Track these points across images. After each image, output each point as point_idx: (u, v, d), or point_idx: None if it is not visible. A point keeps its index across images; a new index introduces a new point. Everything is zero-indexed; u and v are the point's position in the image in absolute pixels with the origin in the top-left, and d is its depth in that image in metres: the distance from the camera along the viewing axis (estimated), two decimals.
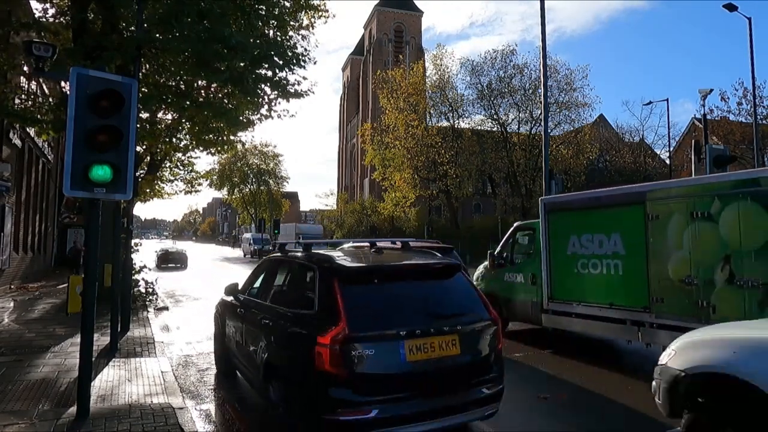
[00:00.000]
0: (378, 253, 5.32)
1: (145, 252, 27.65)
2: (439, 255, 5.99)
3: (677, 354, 3.98)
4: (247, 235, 50.68)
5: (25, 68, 12.77)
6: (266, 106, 13.04)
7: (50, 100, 13.98)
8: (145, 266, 15.98)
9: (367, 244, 5.94)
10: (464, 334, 4.38)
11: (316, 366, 3.97)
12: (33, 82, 16.38)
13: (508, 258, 10.39)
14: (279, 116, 13.39)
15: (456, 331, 4.32)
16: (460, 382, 4.32)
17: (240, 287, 6.72)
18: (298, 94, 12.06)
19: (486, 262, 10.88)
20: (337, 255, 5.21)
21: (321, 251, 5.65)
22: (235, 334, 6.17)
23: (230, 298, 6.69)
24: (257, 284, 6.21)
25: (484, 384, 4.44)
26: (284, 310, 4.94)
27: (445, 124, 41.61)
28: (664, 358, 4.08)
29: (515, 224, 11.00)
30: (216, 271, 28.40)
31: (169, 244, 48.08)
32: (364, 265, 4.79)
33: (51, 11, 12.37)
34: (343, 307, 4.10)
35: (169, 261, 30.44)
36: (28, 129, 16.04)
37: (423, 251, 6.25)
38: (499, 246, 10.88)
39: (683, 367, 3.82)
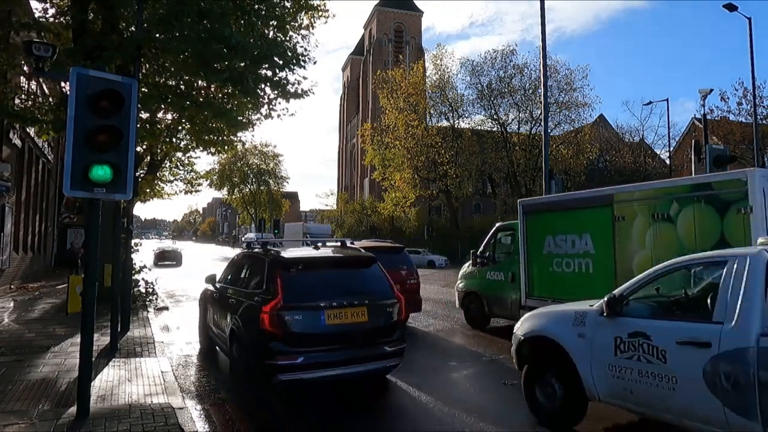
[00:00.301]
0: (316, 249, 6.93)
1: (145, 251, 29.09)
2: (363, 252, 7.28)
3: (521, 325, 5.59)
4: (250, 235, 47.83)
5: (25, 68, 12.77)
6: (266, 106, 13.05)
7: (50, 100, 13.99)
8: (145, 266, 15.98)
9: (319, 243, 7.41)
10: (371, 307, 6.00)
11: (261, 327, 5.63)
12: (33, 82, 16.38)
13: (490, 257, 10.84)
14: (279, 116, 13.41)
15: (365, 305, 5.96)
16: (367, 341, 5.94)
17: (217, 278, 8.22)
18: (298, 94, 12.07)
19: (470, 262, 11.31)
20: (284, 251, 6.90)
21: (275, 248, 7.13)
22: (212, 314, 7.75)
23: (209, 286, 8.26)
24: (229, 275, 7.76)
25: (387, 343, 6.07)
26: (245, 291, 6.60)
27: (445, 124, 41.65)
28: (515, 328, 5.63)
29: (496, 225, 11.47)
30: (216, 271, 28.22)
31: (168, 244, 51.19)
32: (298, 257, 6.49)
33: (51, 11, 12.38)
34: (281, 286, 5.79)
35: (166, 259, 32.89)
36: (28, 129, 16.04)
37: (354, 249, 7.53)
38: (482, 246, 11.28)
39: (522, 333, 5.45)
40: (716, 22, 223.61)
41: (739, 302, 3.86)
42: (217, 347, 7.91)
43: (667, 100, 30.66)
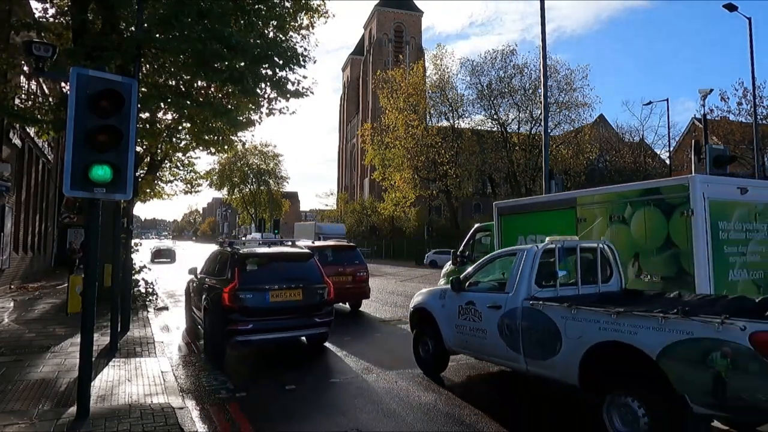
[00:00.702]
0: (269, 247, 9.47)
1: (144, 250, 32.36)
2: (305, 250, 9.50)
3: (413, 300, 7.75)
4: (256, 235, 45.13)
5: (25, 68, 12.77)
6: (266, 106, 13.05)
7: (50, 100, 13.98)
8: (144, 266, 15.98)
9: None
10: (305, 289, 8.18)
11: (223, 304, 7.74)
12: (33, 82, 16.39)
13: (470, 256, 11.58)
14: (280, 113, 13.38)
15: (300, 288, 8.15)
16: (301, 314, 8.08)
17: (198, 270, 10.19)
18: (298, 93, 12.07)
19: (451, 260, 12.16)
20: (245, 248, 9.04)
21: (237, 246, 9.21)
22: (193, 298, 9.93)
23: (192, 277, 10.42)
24: (205, 267, 9.81)
25: (317, 316, 8.21)
26: (214, 278, 8.73)
27: (445, 124, 41.65)
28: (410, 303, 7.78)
29: (475, 225, 12.10)
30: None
31: (166, 243, 56.07)
32: (252, 252, 8.65)
33: (51, 11, 12.38)
34: (237, 274, 7.93)
35: (161, 256, 37.56)
36: (28, 129, 16.05)
37: (294, 247, 9.89)
38: (462, 245, 12.08)
39: (411, 306, 7.70)
40: (716, 22, 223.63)
41: (517, 279, 5.91)
42: (198, 326, 9.65)
43: (667, 100, 30.68)
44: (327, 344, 8.96)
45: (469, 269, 7.07)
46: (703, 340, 4.07)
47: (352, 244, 14.94)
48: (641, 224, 7.48)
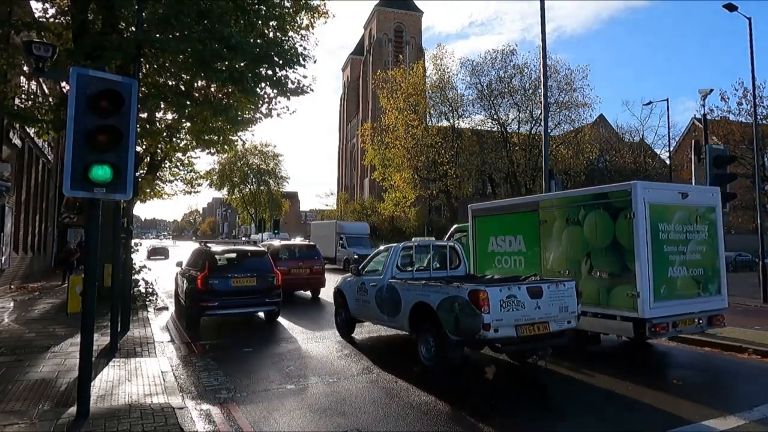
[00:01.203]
0: (234, 245, 13.82)
1: (142, 250, 34.92)
2: (261, 248, 13.60)
3: (336, 284, 10.50)
4: (264, 235, 42.10)
5: (25, 68, 12.76)
6: (266, 105, 13.05)
7: (50, 100, 13.98)
8: (144, 266, 15.98)
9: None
10: (258, 277, 10.86)
11: (196, 287, 10.45)
12: (33, 82, 16.38)
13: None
14: (279, 114, 13.40)
15: (254, 276, 10.84)
16: (255, 295, 10.76)
17: (183, 263, 12.95)
18: (297, 91, 12.07)
19: None
20: (216, 246, 12.49)
21: (209, 244, 12.35)
22: (179, 284, 12.82)
23: (178, 269, 13.30)
24: (188, 261, 12.57)
25: (267, 297, 10.86)
26: (192, 269, 11.48)
27: (445, 124, 41.60)
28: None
29: (454, 226, 13.18)
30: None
31: (163, 243, 63.89)
32: (219, 249, 11.78)
33: (51, 11, 12.38)
34: (207, 265, 10.67)
35: (157, 254, 41.51)
36: (28, 129, 16.04)
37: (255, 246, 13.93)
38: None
39: (335, 287, 10.44)
40: (716, 22, 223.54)
41: (386, 266, 8.92)
42: (183, 305, 12.11)
43: (667, 100, 30.56)
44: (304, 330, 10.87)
45: (364, 261, 10.05)
46: (451, 297, 6.93)
47: (312, 243, 18.94)
48: (592, 226, 8.23)
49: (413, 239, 9.48)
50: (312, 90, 12.45)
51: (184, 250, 41.45)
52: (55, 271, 22.36)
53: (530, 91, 38.60)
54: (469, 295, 6.58)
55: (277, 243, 18.26)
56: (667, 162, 35.60)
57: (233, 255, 11.64)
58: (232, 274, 10.77)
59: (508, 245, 9.91)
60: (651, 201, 7.70)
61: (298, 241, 25.67)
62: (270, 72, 11.68)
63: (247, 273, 10.95)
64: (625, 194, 7.78)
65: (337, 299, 10.23)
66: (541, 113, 28.65)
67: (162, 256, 40.38)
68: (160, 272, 20.85)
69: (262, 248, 13.48)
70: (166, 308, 13.56)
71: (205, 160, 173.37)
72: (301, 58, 11.73)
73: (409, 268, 9.00)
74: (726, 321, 8.41)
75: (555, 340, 7.05)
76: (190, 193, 21.44)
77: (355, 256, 24.64)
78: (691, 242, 8.11)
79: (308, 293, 16.41)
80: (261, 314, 11.56)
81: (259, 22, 12.26)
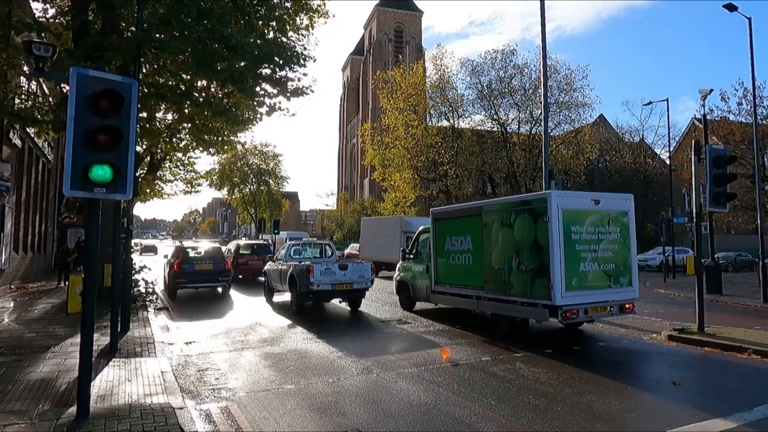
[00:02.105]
0: (203, 246, 20.52)
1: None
2: (217, 245, 22.93)
3: (396, 275, 14.45)
4: (282, 235, 36.94)
5: (25, 68, 12.76)
6: (266, 105, 13.05)
7: (50, 100, 13.98)
8: (145, 266, 15.99)
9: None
10: (213, 264, 16.67)
11: (173, 270, 16.41)
12: (33, 82, 16.39)
13: (413, 252, 13.75)
14: (279, 114, 13.39)
15: (211, 263, 16.66)
16: (212, 275, 16.46)
17: (169, 256, 18.28)
18: (298, 92, 12.07)
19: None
20: (189, 243, 29.23)
21: (185, 242, 33.00)
22: (165, 269, 18.31)
23: (165, 260, 18.86)
24: (171, 254, 18.09)
25: (220, 276, 16.57)
26: (173, 258, 17.28)
27: (445, 124, 41.59)
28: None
29: (420, 227, 14.13)
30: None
31: (154, 241, 73.29)
32: (188, 246, 20.21)
33: (51, 11, 12.37)
34: (180, 256, 16.74)
35: (147, 250, 48.52)
36: (28, 129, 16.04)
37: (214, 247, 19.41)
38: (410, 244, 14.31)
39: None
40: (716, 22, 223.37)
41: (284, 256, 15.36)
42: (165, 286, 17.65)
43: (667, 100, 30.49)
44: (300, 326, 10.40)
45: (280, 254, 16.00)
46: (299, 269, 12.79)
47: (265, 242, 26.23)
48: (520, 228, 9.57)
49: (302, 239, 15.90)
50: (312, 91, 12.47)
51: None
52: (56, 271, 22.35)
53: (530, 91, 38.59)
54: (305, 267, 12.51)
55: (243, 242, 25.84)
56: (667, 162, 35.60)
57: (198, 249, 18.20)
58: (197, 262, 16.63)
59: (460, 244, 11.30)
60: (564, 207, 9.01)
61: (253, 240, 33.82)
62: (270, 72, 11.69)
63: (206, 261, 16.77)
64: (543, 201, 9.14)
65: (264, 277, 16.24)
66: (541, 113, 28.65)
67: (152, 252, 48.75)
68: (154, 267, 21.00)
69: (218, 245, 22.02)
70: (167, 308, 13.57)
71: (205, 160, 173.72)
72: (301, 59, 11.74)
73: (297, 257, 15.27)
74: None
75: (356, 294, 13.15)
76: (190, 193, 21.49)
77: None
78: (602, 242, 9.36)
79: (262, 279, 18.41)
80: (219, 289, 17.22)
81: (259, 22, 12.26)
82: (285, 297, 14.74)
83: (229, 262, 17.81)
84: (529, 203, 9.60)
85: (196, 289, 16.95)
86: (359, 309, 13.48)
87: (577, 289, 8.97)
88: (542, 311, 9.06)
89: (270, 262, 15.88)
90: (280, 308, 13.76)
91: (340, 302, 14.02)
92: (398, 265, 14.51)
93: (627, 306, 9.66)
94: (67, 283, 14.80)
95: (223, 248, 21.59)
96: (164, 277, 18.31)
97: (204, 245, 21.02)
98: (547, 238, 8.89)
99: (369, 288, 13.23)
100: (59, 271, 19.28)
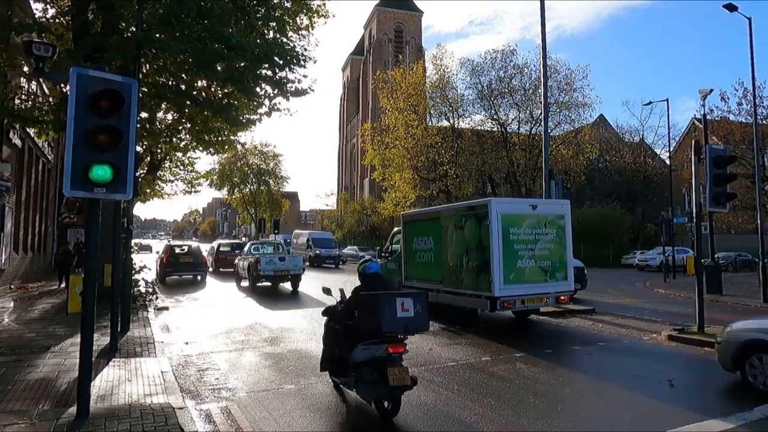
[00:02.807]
0: (184, 243, 27.45)
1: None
2: (196, 243, 31.71)
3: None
4: (302, 233, 40.85)
5: (25, 68, 12.75)
6: (266, 106, 13.05)
7: (50, 100, 13.97)
8: (145, 266, 16.00)
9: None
10: (194, 258, 21.86)
11: (162, 262, 21.62)
12: (33, 82, 16.38)
13: (389, 251, 15.29)
14: (279, 114, 13.42)
15: (192, 256, 21.91)
16: (192, 267, 21.55)
17: (160, 251, 24.02)
18: (298, 92, 12.07)
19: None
20: (176, 242, 34.82)
21: (171, 241, 42.25)
22: (157, 263, 22.65)
23: (157, 255, 25.07)
24: (162, 250, 23.30)
25: (198, 268, 21.66)
26: (162, 254, 22.49)
27: (445, 124, 41.58)
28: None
29: (394, 229, 15.23)
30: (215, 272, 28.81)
31: (150, 241, 75.84)
32: (174, 244, 26.60)
33: (51, 11, 12.36)
34: (168, 252, 21.95)
35: (143, 249, 49.23)
36: (28, 129, 16.03)
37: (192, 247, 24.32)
38: (387, 244, 15.97)
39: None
40: (716, 22, 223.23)
41: (246, 252, 21.15)
42: (158, 275, 21.14)
43: (667, 100, 30.50)
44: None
45: (246, 247, 22.16)
46: (252, 261, 18.39)
47: (240, 242, 32.45)
48: (469, 230, 10.90)
49: (260, 238, 22.25)
50: (312, 91, 12.47)
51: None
52: (56, 271, 22.33)
53: (530, 91, 38.59)
54: (255, 259, 17.83)
55: (223, 241, 33.27)
56: (667, 162, 35.60)
57: (183, 247, 23.47)
58: (180, 256, 21.64)
59: (424, 244, 12.67)
60: (503, 212, 10.36)
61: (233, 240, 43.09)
62: (270, 73, 11.68)
63: (187, 256, 21.82)
64: (485, 207, 10.51)
65: (234, 268, 21.27)
66: (541, 113, 28.64)
67: (147, 251, 51.51)
68: (150, 263, 21.39)
69: (197, 244, 27.82)
70: (167, 308, 13.57)
71: (205, 160, 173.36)
72: (301, 59, 11.73)
73: (255, 252, 19.98)
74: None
75: (293, 278, 18.08)
76: (190, 193, 21.60)
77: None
78: (539, 242, 10.65)
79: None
80: (198, 277, 21.78)
81: (259, 23, 12.25)
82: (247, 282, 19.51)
83: (206, 258, 23.66)
84: (475, 208, 10.92)
85: (180, 276, 21.78)
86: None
87: (515, 283, 10.29)
88: (485, 302, 10.37)
89: (238, 257, 21.19)
90: (243, 289, 19.08)
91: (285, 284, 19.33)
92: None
93: (562, 298, 11.00)
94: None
95: (209, 246, 31.26)
96: (156, 268, 21.98)
97: (187, 244, 26.11)
98: (488, 239, 10.21)
99: (302, 273, 18.58)
100: (59, 273, 18.72)
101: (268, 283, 18.91)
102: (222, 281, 22.08)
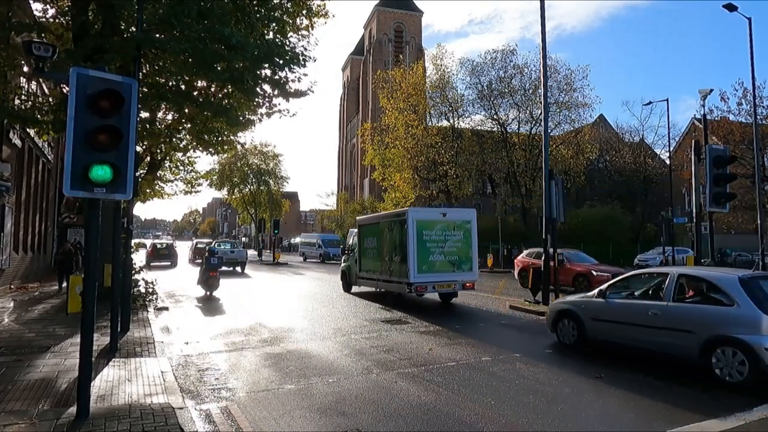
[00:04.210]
0: (163, 242, 40.16)
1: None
2: (172, 241, 47.13)
3: (341, 267, 19.66)
4: (311, 237, 49.04)
5: (25, 68, 12.75)
6: (266, 106, 13.04)
7: (50, 100, 13.96)
8: (154, 283, 15.94)
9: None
10: (170, 251, 34.20)
11: (149, 254, 33.35)
12: (33, 82, 16.37)
13: (350, 250, 18.21)
14: (280, 116, 13.41)
15: (168, 250, 34.10)
16: (167, 257, 33.55)
17: (148, 246, 36.77)
18: (298, 93, 12.07)
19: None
20: (159, 241, 45.44)
21: (156, 240, 49.89)
22: (146, 256, 33.53)
23: (149, 248, 35.45)
24: (149, 246, 36.64)
25: (170, 258, 33.58)
26: (149, 249, 35.58)
27: (445, 124, 41.58)
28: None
29: (350, 230, 19.50)
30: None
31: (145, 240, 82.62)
32: (156, 242, 39.60)
33: (51, 12, 12.36)
34: (152, 247, 35.04)
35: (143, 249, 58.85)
36: (28, 129, 16.03)
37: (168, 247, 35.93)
38: (349, 243, 19.22)
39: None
40: (716, 22, 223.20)
41: (209, 251, 19.21)
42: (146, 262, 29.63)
43: (667, 100, 30.50)
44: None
45: (213, 244, 31.79)
46: (207, 256, 16.72)
47: (211, 241, 39.37)
48: (396, 232, 14.13)
49: (214, 242, 34.93)
50: (312, 92, 12.48)
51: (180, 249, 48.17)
52: (55, 271, 22.32)
53: (530, 91, 38.60)
54: (210, 253, 17.22)
55: (200, 240, 44.40)
56: (667, 162, 35.60)
57: (162, 244, 35.05)
58: (160, 250, 33.13)
59: (371, 244, 15.87)
60: (418, 218, 13.55)
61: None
62: (270, 73, 11.68)
63: (165, 249, 33.42)
64: (405, 215, 13.80)
65: (202, 260, 21.60)
66: (541, 113, 28.64)
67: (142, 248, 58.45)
68: (159, 273, 21.16)
69: (172, 242, 42.38)
70: (167, 308, 13.57)
71: (205, 160, 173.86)
72: (301, 59, 11.73)
73: (216, 248, 25.42)
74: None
75: (240, 264, 29.49)
76: (190, 193, 21.50)
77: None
78: (448, 241, 13.66)
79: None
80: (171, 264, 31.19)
81: (259, 24, 12.25)
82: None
83: (176, 251, 35.40)
84: (399, 216, 14.25)
85: (160, 263, 31.87)
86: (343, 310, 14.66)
87: (427, 272, 13.36)
88: (405, 287, 13.37)
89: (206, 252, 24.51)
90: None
91: (233, 269, 28.77)
92: (342, 258, 20.07)
93: (468, 284, 13.96)
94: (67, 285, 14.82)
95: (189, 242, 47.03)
96: (145, 258, 31.15)
97: (165, 242, 38.20)
98: (407, 239, 13.36)
99: (246, 261, 30.73)
100: (59, 274, 17.76)
101: (227, 268, 27.16)
102: (196, 269, 25.53)
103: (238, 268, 28.95)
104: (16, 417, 5.00)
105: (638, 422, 5.45)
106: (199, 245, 36.66)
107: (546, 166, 14.32)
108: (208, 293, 16.15)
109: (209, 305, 14.65)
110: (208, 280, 16.09)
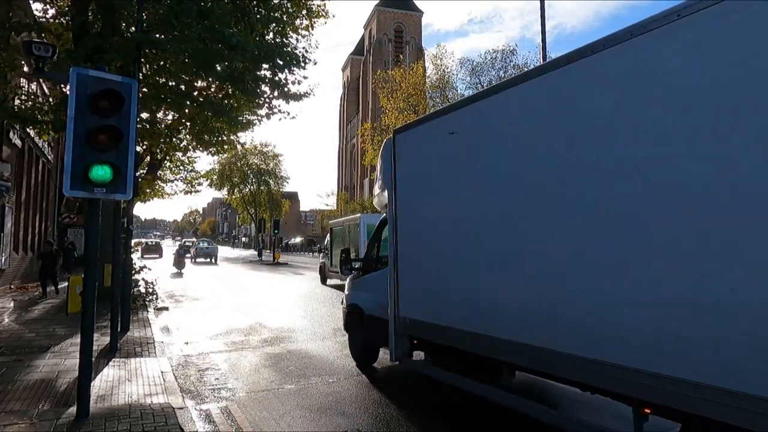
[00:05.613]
0: (152, 240, 60.20)
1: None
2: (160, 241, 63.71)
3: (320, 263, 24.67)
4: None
5: (25, 68, 12.75)
6: (266, 107, 13.05)
7: (50, 100, 13.97)
8: (145, 266, 16.00)
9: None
10: (157, 248, 47.64)
11: (142, 252, 42.47)
12: (33, 82, 16.38)
13: (327, 249, 21.40)
14: (280, 118, 13.42)
15: (158, 248, 47.83)
16: (156, 252, 45.30)
17: (143, 245, 46.64)
18: (298, 96, 12.07)
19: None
20: (146, 240, 59.55)
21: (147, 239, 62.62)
22: (141, 249, 43.77)
23: (142, 246, 45.47)
24: (141, 245, 45.15)
25: (158, 253, 45.69)
26: (141, 246, 44.52)
27: None
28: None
29: (329, 232, 22.69)
30: (215, 272, 28.89)
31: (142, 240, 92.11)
32: (147, 241, 55.18)
33: (51, 12, 12.36)
34: (145, 246, 46.39)
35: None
36: (28, 129, 16.03)
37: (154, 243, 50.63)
38: (326, 243, 22.56)
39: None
40: None
41: (190, 248, 42.61)
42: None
43: None
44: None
45: (182, 244, 47.41)
46: (179, 251, 29.84)
47: (194, 240, 56.35)
48: (355, 234, 18.35)
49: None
50: (313, 94, 12.52)
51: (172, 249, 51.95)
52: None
53: None
54: (181, 247, 33.38)
55: (187, 240, 63.04)
56: None
57: (152, 242, 52.13)
58: (150, 247, 46.16)
59: (341, 242, 19.62)
60: (368, 222, 17.29)
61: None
62: (270, 74, 11.68)
63: (154, 246, 47.14)
64: (358, 220, 18.25)
65: (189, 254, 35.86)
66: None
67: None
68: (160, 273, 21.22)
69: (160, 240, 65.18)
70: (167, 308, 13.58)
71: (205, 160, 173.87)
72: (301, 60, 11.74)
73: (196, 245, 44.20)
74: None
75: (213, 257, 40.03)
76: (190, 193, 21.52)
77: None
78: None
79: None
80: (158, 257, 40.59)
81: (259, 24, 12.26)
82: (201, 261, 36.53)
83: (163, 248, 46.87)
84: (356, 221, 18.53)
85: (150, 255, 41.06)
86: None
87: None
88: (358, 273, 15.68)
89: (191, 248, 32.73)
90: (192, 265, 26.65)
91: (205, 260, 39.48)
92: (321, 256, 23.88)
93: None
94: (53, 288, 14.76)
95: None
96: (139, 253, 37.22)
97: (154, 241, 50.94)
98: (358, 241, 17.43)
99: (217, 255, 41.21)
100: (41, 276, 15.02)
101: (204, 259, 39.57)
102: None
103: (212, 260, 39.39)
104: (16, 417, 5.00)
105: None
106: (187, 243, 49.66)
107: None
108: (178, 270, 26.64)
109: (209, 305, 14.67)
110: (178, 261, 27.42)
